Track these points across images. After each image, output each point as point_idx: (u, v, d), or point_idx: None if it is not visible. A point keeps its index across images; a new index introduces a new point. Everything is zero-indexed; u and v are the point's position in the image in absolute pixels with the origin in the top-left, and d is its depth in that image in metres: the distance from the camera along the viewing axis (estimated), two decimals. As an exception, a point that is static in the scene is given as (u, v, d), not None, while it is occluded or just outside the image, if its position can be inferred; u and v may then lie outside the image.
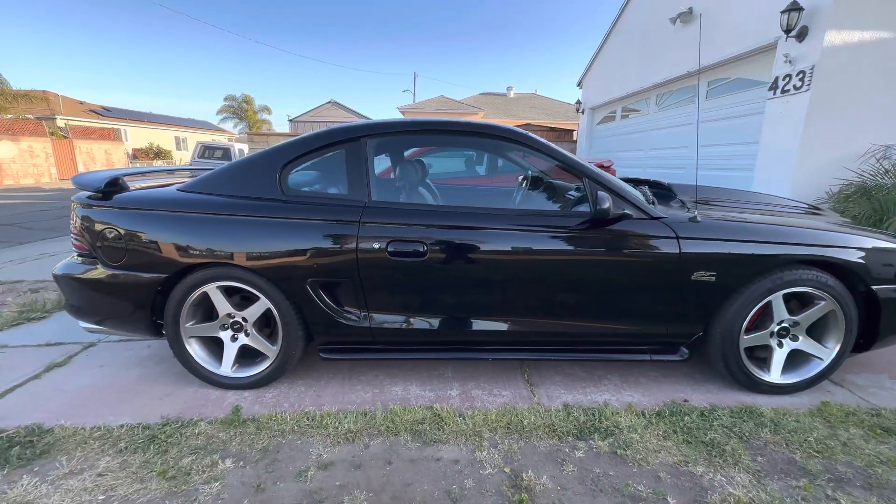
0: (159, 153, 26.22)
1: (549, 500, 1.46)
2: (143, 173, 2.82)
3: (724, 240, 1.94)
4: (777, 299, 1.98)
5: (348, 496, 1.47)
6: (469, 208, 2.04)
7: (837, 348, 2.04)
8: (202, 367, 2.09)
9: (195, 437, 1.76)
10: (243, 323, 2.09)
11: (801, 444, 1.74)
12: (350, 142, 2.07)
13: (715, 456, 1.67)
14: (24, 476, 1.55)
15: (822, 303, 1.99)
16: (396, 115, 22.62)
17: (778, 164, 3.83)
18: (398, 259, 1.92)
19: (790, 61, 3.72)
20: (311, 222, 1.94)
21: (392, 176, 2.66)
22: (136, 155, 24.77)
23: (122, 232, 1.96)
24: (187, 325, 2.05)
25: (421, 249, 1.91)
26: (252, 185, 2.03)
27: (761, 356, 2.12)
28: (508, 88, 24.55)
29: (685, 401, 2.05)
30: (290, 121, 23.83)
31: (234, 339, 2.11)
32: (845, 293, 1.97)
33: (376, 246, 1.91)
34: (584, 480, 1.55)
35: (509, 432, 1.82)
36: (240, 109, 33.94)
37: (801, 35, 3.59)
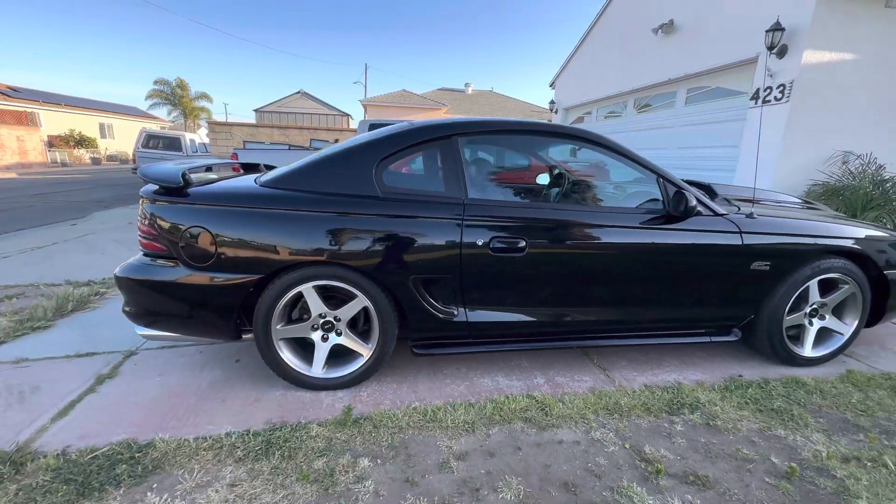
0: (82, 141, 23.46)
1: (678, 468, 1.63)
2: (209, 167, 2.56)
3: (776, 233, 2.22)
4: (814, 284, 2.31)
5: (501, 481, 1.54)
6: (561, 206, 2.15)
7: (855, 324, 2.42)
8: (293, 369, 2.03)
9: (313, 440, 1.72)
10: (335, 323, 2.05)
11: (847, 405, 2.06)
12: (443, 139, 2.09)
13: (787, 420, 1.94)
14: (148, 494, 1.45)
15: (846, 286, 2.35)
16: (358, 108, 22.04)
17: (760, 166, 4.33)
18: (498, 255, 1.99)
19: (771, 75, 4.22)
20: (416, 220, 1.95)
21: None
22: (52, 143, 21.96)
23: (213, 231, 1.85)
24: (278, 326, 1.98)
25: (521, 245, 2.00)
26: (347, 181, 1.99)
27: (793, 335, 2.45)
28: (466, 85, 24.85)
29: (740, 376, 2.32)
30: (256, 111, 22.26)
31: (324, 339, 2.06)
32: (863, 278, 2.34)
33: (480, 242, 1.97)
34: (696, 449, 1.74)
35: (610, 413, 1.97)
36: (173, 95, 31.20)
37: (782, 52, 4.09)
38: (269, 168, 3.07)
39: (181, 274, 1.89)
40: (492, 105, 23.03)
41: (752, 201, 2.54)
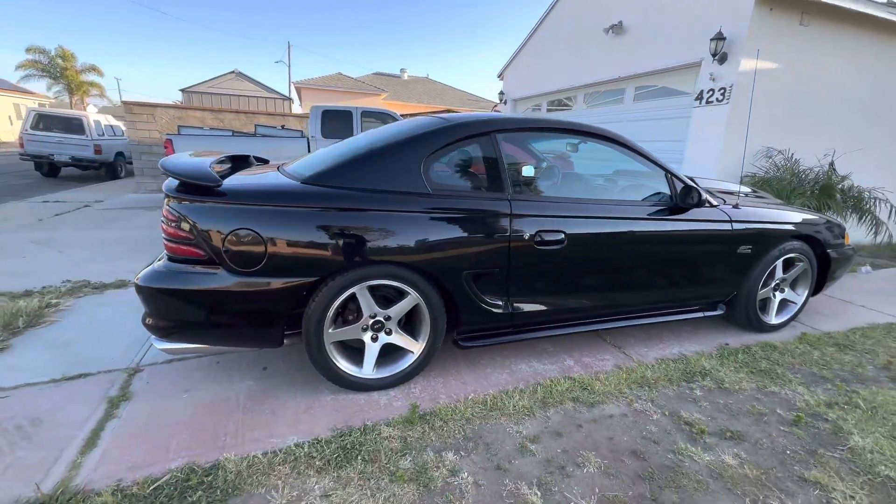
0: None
1: (714, 427, 1.89)
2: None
3: (757, 221, 2.60)
4: (780, 263, 2.74)
5: (578, 457, 1.68)
6: (591, 200, 2.31)
7: (805, 295, 2.93)
8: (345, 372, 1.98)
9: (388, 441, 1.72)
10: (384, 322, 2.02)
11: (811, 362, 2.51)
12: (482, 136, 2.13)
13: (774, 378, 2.32)
14: (239, 517, 1.37)
15: (801, 264, 2.83)
16: (292, 91, 20.59)
17: (704, 160, 4.92)
18: (542, 248, 2.10)
19: (713, 79, 4.79)
20: (467, 216, 1.98)
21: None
22: None
23: (263, 234, 1.72)
24: (329, 330, 1.91)
25: (561, 238, 2.12)
26: (396, 178, 1.95)
27: (761, 306, 2.89)
28: (402, 70, 24.36)
29: (726, 344, 2.70)
30: (183, 91, 19.38)
31: (374, 339, 2.03)
32: (813, 256, 2.84)
33: (526, 236, 2.06)
34: (720, 410, 2.03)
35: (640, 386, 2.20)
36: (52, 66, 26.54)
37: (723, 59, 4.66)
38: (261, 160, 2.87)
39: (225, 281, 1.73)
40: (429, 92, 22.92)
41: (732, 193, 2.92)
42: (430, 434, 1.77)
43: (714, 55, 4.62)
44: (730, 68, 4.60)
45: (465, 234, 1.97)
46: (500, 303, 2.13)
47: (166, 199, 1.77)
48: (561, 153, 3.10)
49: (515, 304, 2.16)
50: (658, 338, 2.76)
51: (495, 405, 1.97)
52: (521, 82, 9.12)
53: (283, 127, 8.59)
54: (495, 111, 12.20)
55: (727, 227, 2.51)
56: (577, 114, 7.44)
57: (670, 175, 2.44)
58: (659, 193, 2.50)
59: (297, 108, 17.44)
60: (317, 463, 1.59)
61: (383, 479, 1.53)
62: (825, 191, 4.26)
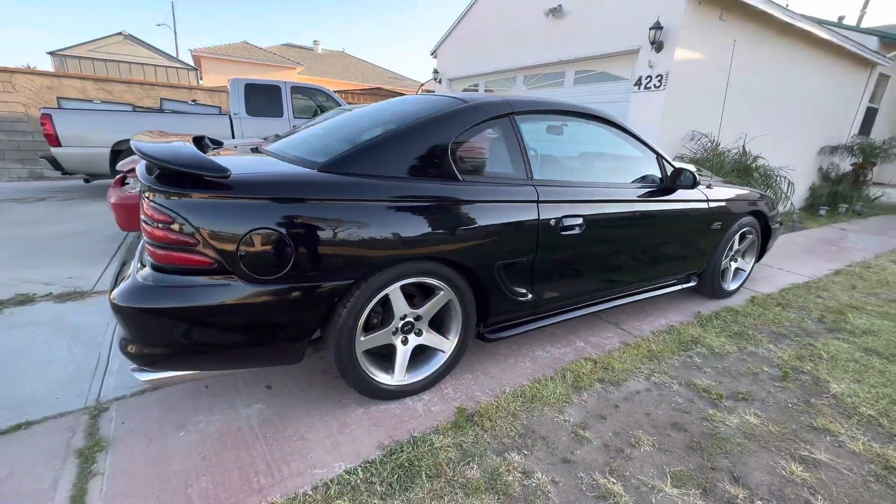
0: None
1: (724, 390, 2.07)
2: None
3: (726, 200, 2.87)
4: (737, 237, 3.07)
5: (630, 437, 1.72)
6: (607, 184, 2.33)
7: (753, 262, 3.34)
8: (377, 381, 1.78)
9: (444, 450, 1.59)
10: (414, 322, 1.86)
11: (768, 321, 2.88)
12: (503, 117, 2.01)
13: (748, 339, 2.61)
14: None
15: (751, 236, 3.20)
16: (188, 58, 17.93)
17: (644, 142, 5.33)
18: (565, 234, 2.07)
19: (651, 66, 5.14)
20: (499, 205, 1.87)
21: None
22: None
23: (287, 233, 1.44)
24: (362, 338, 1.70)
25: (580, 222, 2.12)
26: (424, 164, 1.76)
27: (721, 276, 3.23)
28: (315, 43, 22.52)
29: (700, 312, 2.98)
30: (52, 55, 15.04)
31: (404, 342, 1.85)
32: (758, 228, 3.23)
33: (552, 223, 2.02)
34: (722, 374, 2.23)
35: (650, 360, 2.33)
36: None
37: (660, 48, 5.01)
38: (215, 142, 2.45)
39: (240, 292, 1.43)
40: (347, 67, 21.61)
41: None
42: (484, 436, 1.68)
43: (652, 43, 4.94)
44: (666, 56, 4.96)
45: (500, 224, 1.87)
46: (525, 291, 2.08)
47: (148, 194, 1.39)
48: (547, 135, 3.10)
49: (538, 292, 2.13)
50: (644, 312, 2.95)
51: (535, 396, 1.94)
52: (457, 61, 8.98)
53: (194, 102, 7.45)
54: (425, 91, 11.97)
55: (705, 206, 2.73)
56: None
57: (660, 157, 2.57)
58: (649, 175, 2.61)
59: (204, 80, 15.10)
60: (378, 489, 1.42)
61: (456, 493, 1.42)
62: (745, 170, 4.89)
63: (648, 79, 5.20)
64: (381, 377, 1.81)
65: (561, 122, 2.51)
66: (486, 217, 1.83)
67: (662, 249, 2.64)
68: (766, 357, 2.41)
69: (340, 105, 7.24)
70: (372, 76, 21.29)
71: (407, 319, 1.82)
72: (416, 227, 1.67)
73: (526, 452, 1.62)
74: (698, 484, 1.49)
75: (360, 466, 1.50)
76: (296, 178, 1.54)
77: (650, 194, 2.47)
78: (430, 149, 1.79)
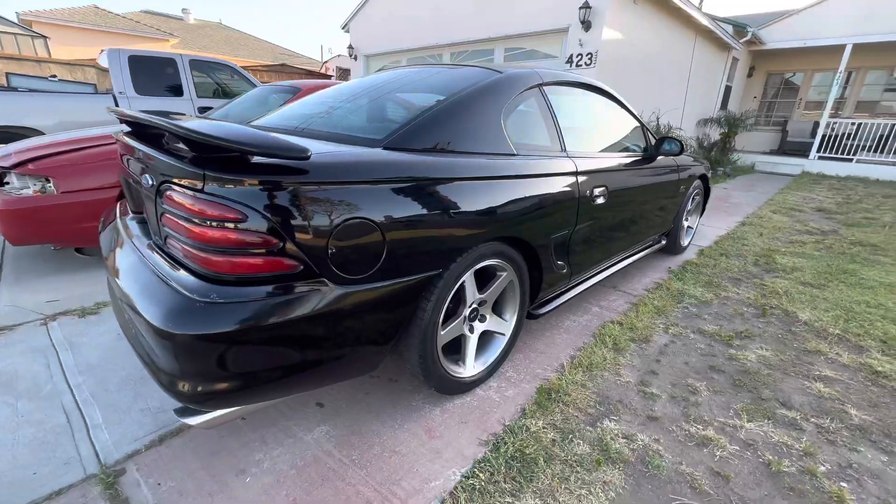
0: None
1: (728, 332, 2.35)
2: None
3: (688, 166, 3.20)
4: (691, 198, 3.48)
5: (687, 386, 1.87)
6: (617, 154, 2.42)
7: (699, 220, 3.82)
8: (456, 376, 1.67)
9: (544, 432, 1.56)
10: (479, 308, 1.76)
11: (722, 269, 3.34)
12: (534, 88, 1.95)
13: (718, 287, 3.00)
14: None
15: (698, 198, 3.65)
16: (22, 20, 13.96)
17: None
18: (595, 203, 2.13)
19: (581, 44, 5.44)
20: (551, 178, 1.83)
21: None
22: None
23: (379, 221, 1.22)
24: (442, 332, 1.55)
25: (605, 191, 2.19)
26: (483, 138, 1.63)
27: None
28: (185, 11, 19.32)
29: (671, 268, 3.33)
30: None
31: (471, 330, 1.74)
32: (702, 189, 3.69)
33: (588, 194, 2.05)
34: (718, 318, 2.53)
35: (660, 314, 2.54)
36: None
37: (588, 27, 5.32)
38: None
39: (331, 297, 1.18)
40: (229, 42, 19.05)
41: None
42: (570, 411, 1.68)
43: (582, 22, 5.23)
44: (594, 35, 5.30)
45: (554, 197, 1.83)
46: (563, 263, 2.09)
47: (189, 187, 1.06)
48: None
49: (572, 263, 2.16)
50: (629, 274, 3.20)
51: (590, 364, 1.99)
52: (374, 36, 8.51)
53: (54, 77, 5.93)
54: (340, 70, 11.25)
55: (676, 173, 3.02)
56: (445, 73, 7.44)
57: (644, 128, 2.75)
58: (639, 145, 2.78)
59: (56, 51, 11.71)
60: (505, 486, 1.33)
61: (578, 472, 1.40)
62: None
63: (579, 56, 5.52)
64: (457, 370, 1.69)
65: (572, 95, 2.52)
66: (543, 191, 1.78)
67: (651, 213, 2.87)
68: (739, 299, 2.80)
69: (255, 84, 6.41)
70: (262, 52, 19.13)
71: (473, 306, 1.71)
72: (491, 205, 1.55)
73: (615, 418, 1.66)
74: (763, 415, 1.69)
75: (476, 468, 1.39)
76: (382, 159, 1.31)
77: (644, 161, 2.64)
78: (486, 121, 1.66)
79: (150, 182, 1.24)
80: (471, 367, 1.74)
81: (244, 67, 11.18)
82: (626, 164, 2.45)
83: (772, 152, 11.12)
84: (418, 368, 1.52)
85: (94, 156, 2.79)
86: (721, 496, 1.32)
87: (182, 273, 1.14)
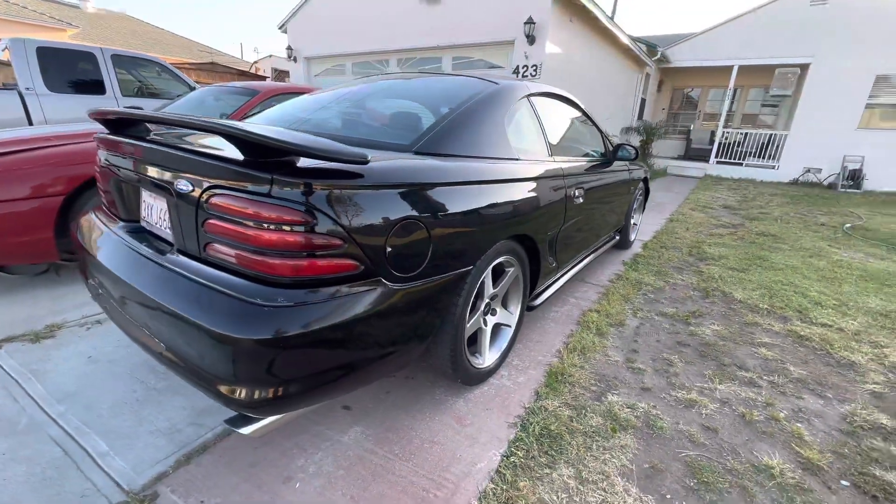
0: None
1: (687, 312, 2.71)
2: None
3: (635, 169, 3.61)
4: (636, 198, 3.91)
5: (664, 360, 2.15)
6: (588, 158, 2.67)
7: (641, 216, 4.30)
8: (477, 367, 1.77)
9: (561, 410, 1.72)
10: (491, 302, 1.88)
11: (665, 260, 3.80)
12: (524, 98, 2.13)
13: (665, 275, 3.42)
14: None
15: (641, 197, 4.11)
16: None
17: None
18: (576, 202, 2.35)
19: (527, 57, 5.81)
20: (547, 179, 2.01)
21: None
22: None
23: (427, 222, 1.30)
24: (468, 325, 1.65)
25: (582, 192, 2.43)
26: (491, 143, 1.76)
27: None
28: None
29: (624, 261, 3.71)
30: None
31: (485, 323, 1.86)
32: (645, 190, 4.16)
33: (571, 194, 2.27)
34: (673, 301, 2.90)
35: (627, 301, 2.85)
36: None
37: (532, 41, 5.70)
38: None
39: (388, 295, 1.24)
40: (137, 35, 17.18)
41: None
42: (577, 390, 1.86)
43: (527, 36, 5.61)
44: (539, 48, 5.71)
45: (550, 197, 2.01)
46: (552, 259, 2.29)
47: (261, 188, 1.06)
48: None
49: (558, 259, 2.37)
50: (593, 268, 3.51)
51: (583, 348, 2.20)
52: (315, 38, 8.29)
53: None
54: (276, 72, 10.79)
55: (628, 173, 3.40)
56: (392, 79, 7.48)
57: (604, 135, 3.08)
58: (599, 150, 3.09)
59: None
60: (542, 460, 1.47)
61: (599, 441, 1.58)
62: (603, 146, 6.08)
63: (525, 68, 5.89)
64: (476, 362, 1.79)
65: (551, 105, 2.74)
66: (543, 192, 1.96)
67: (611, 211, 3.20)
68: (685, 284, 3.23)
69: (188, 83, 5.95)
70: (178, 48, 17.56)
71: (487, 300, 1.83)
72: (510, 205, 1.69)
73: (616, 392, 1.87)
74: (728, 377, 2.01)
75: (512, 447, 1.51)
76: (428, 164, 1.39)
77: (605, 165, 2.95)
78: (496, 128, 1.80)
79: (188, 188, 1.20)
80: (488, 358, 1.86)
81: (175, 65, 10.26)
82: (595, 168, 2.73)
83: (679, 157, 12.61)
84: (448, 362, 1.60)
85: (29, 161, 2.48)
86: (715, 445, 1.58)
87: (238, 280, 1.12)
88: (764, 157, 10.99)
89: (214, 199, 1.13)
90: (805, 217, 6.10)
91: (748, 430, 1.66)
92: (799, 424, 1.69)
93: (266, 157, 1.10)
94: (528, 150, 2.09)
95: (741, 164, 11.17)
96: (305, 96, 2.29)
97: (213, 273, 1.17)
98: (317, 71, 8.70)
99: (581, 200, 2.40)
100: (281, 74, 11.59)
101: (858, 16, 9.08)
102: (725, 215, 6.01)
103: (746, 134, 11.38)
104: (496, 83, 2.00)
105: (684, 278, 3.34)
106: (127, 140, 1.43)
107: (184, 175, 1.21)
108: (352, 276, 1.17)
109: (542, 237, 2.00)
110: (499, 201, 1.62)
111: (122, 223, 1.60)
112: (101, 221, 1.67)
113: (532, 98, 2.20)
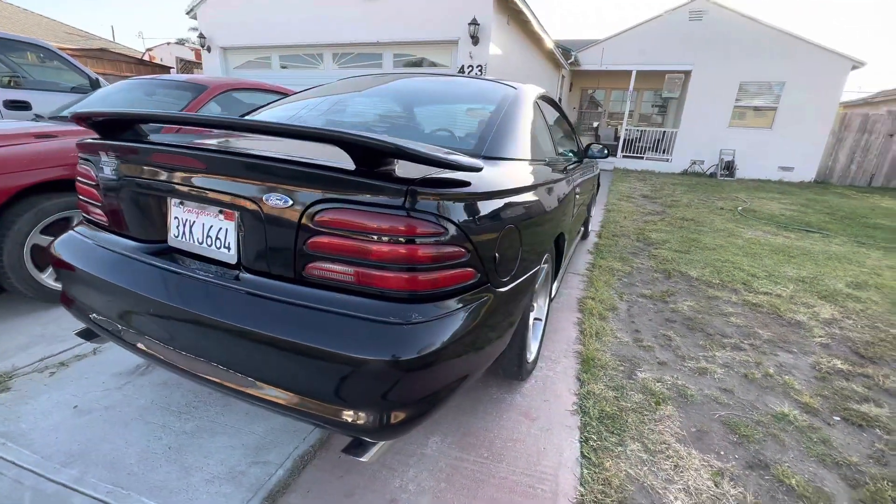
0: None
1: (659, 290, 3.06)
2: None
3: (595, 165, 3.94)
4: (595, 188, 4.27)
5: (661, 335, 2.42)
6: (573, 157, 2.85)
7: (594, 210, 4.69)
8: (529, 361, 1.83)
9: (605, 392, 1.87)
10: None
11: (622, 247, 4.22)
12: (536, 101, 2.22)
13: (628, 261, 3.81)
14: None
15: (595, 192, 4.50)
16: None
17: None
18: (576, 198, 2.53)
19: (472, 57, 5.94)
20: (566, 179, 2.14)
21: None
22: None
23: (519, 226, 1.34)
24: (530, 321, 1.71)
25: (577, 189, 2.62)
26: (532, 146, 1.83)
27: (582, 221, 4.41)
28: None
29: (589, 250, 4.04)
30: None
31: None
32: (597, 184, 4.56)
33: (574, 190, 2.44)
34: (645, 283, 3.24)
35: (609, 287, 3.12)
36: None
37: (476, 41, 5.84)
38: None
39: (496, 301, 1.25)
40: (10, 20, 13.93)
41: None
42: (611, 373, 2.03)
43: (472, 37, 5.75)
44: (483, 49, 5.88)
45: (568, 195, 2.14)
46: (562, 253, 2.44)
47: (393, 201, 1.00)
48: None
49: (563, 252, 2.52)
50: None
51: (595, 333, 2.38)
52: (234, 27, 7.55)
53: None
54: (181, 62, 9.64)
55: (592, 171, 3.70)
56: (327, 74, 7.16)
57: (576, 134, 3.32)
58: (573, 149, 3.32)
59: None
60: (614, 439, 1.59)
61: (647, 414, 1.75)
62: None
63: (470, 68, 6.03)
64: (528, 357, 1.85)
65: (546, 106, 2.86)
66: (567, 190, 2.09)
67: (584, 204, 3.47)
68: (646, 267, 3.63)
69: (86, 73, 5.04)
70: (40, 30, 14.57)
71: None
72: (559, 204, 1.80)
73: (641, 369, 2.07)
74: (719, 345, 2.33)
75: (584, 433, 1.60)
76: (517, 169, 1.42)
77: (580, 161, 3.19)
78: (528, 131, 1.86)
79: (284, 202, 1.07)
80: (533, 351, 1.94)
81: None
82: (577, 165, 2.94)
83: (592, 152, 13.86)
84: (516, 359, 1.65)
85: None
86: (737, 403, 1.84)
87: (362, 299, 1.05)
88: (659, 152, 12.59)
89: (328, 215, 1.03)
90: (706, 202, 7.16)
91: (755, 388, 1.96)
92: (787, 377, 2.05)
93: (379, 167, 1.03)
94: (546, 151, 2.20)
95: (642, 158, 12.67)
96: (306, 95, 2.13)
97: (323, 294, 1.07)
98: (236, 63, 7.93)
99: (577, 197, 2.58)
100: (189, 66, 10.23)
101: (726, 31, 10.81)
102: (647, 204, 6.81)
103: (643, 131, 12.93)
104: (514, 86, 2.07)
105: (643, 262, 3.75)
106: (157, 147, 1.23)
107: (278, 187, 1.08)
108: (470, 286, 1.16)
109: (565, 235, 2.13)
110: (555, 202, 1.71)
111: (138, 244, 1.37)
112: (100, 243, 1.41)
113: (538, 101, 2.31)
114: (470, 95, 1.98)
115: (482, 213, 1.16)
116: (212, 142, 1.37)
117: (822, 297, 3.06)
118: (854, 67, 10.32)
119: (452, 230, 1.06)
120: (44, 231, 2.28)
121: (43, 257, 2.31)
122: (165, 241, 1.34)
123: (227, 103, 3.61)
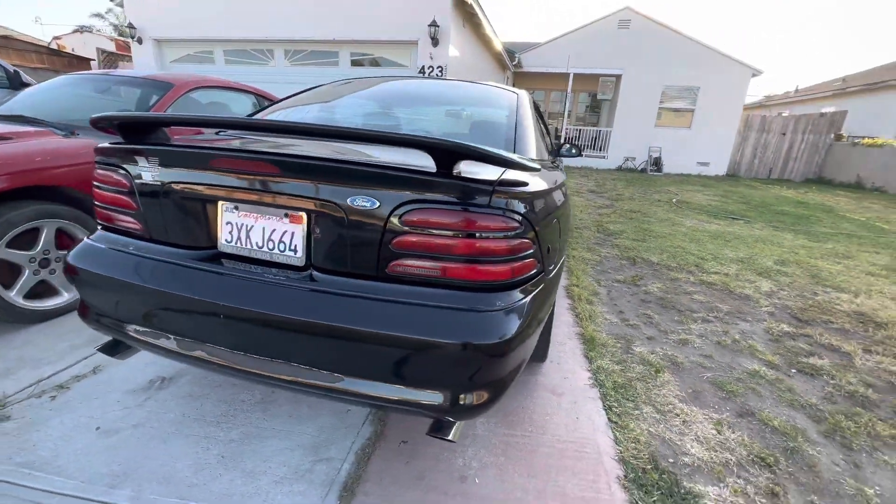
0: None
1: (629, 275, 3.40)
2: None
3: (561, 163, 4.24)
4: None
5: (642, 313, 2.73)
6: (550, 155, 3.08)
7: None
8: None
9: (612, 367, 2.10)
10: (542, 287, 2.14)
11: (588, 238, 4.58)
12: (531, 101, 2.41)
13: (596, 251, 4.16)
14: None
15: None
16: None
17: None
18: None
19: (432, 57, 6.02)
20: (563, 175, 2.34)
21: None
22: None
23: (561, 218, 1.52)
24: (549, 308, 1.88)
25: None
26: (541, 146, 2.01)
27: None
28: None
29: (559, 242, 4.34)
30: None
31: (542, 306, 2.11)
32: (559, 181, 4.89)
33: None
34: (617, 270, 3.58)
35: (586, 274, 3.41)
36: None
37: (437, 43, 5.94)
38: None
39: (545, 287, 1.39)
40: None
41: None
42: (611, 349, 2.27)
43: (432, 38, 5.86)
44: (443, 50, 6.02)
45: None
46: (555, 245, 2.66)
47: (481, 200, 1.11)
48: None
49: (555, 244, 2.75)
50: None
51: (590, 316, 2.62)
52: (169, 17, 6.99)
53: None
54: (103, 53, 8.75)
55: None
56: (279, 71, 6.89)
57: (549, 135, 3.58)
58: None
59: None
60: (629, 404, 1.82)
61: (651, 381, 2.01)
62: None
63: (430, 69, 6.14)
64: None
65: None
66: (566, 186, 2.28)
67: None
68: (612, 256, 4.00)
69: (3, 66, 4.44)
70: None
71: (543, 286, 2.08)
72: (568, 198, 1.96)
73: (635, 344, 2.33)
74: (691, 319, 2.68)
75: (606, 401, 1.81)
76: (553, 168, 1.54)
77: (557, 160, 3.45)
78: (536, 132, 2.03)
79: (370, 204, 1.13)
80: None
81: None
82: (561, 162, 3.18)
83: (536, 150, 14.55)
84: (545, 343, 1.81)
85: None
86: (717, 366, 2.16)
87: (447, 291, 1.14)
88: (596, 149, 13.56)
89: (416, 216, 1.11)
90: (645, 196, 7.89)
91: (728, 352, 2.30)
92: (751, 341, 2.42)
93: (454, 169, 1.13)
94: (543, 151, 2.39)
95: (581, 155, 13.54)
96: (321, 96, 2.13)
97: (411, 289, 1.15)
98: (173, 57, 7.33)
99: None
100: (110, 57, 9.11)
101: (649, 40, 11.89)
102: (596, 198, 7.36)
103: (580, 130, 13.85)
104: (514, 91, 2.23)
105: (609, 251, 4.12)
106: (215, 152, 1.23)
107: (364, 190, 1.13)
108: (534, 275, 1.30)
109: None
110: (565, 196, 1.88)
111: (184, 251, 1.34)
112: (137, 251, 1.36)
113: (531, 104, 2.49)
114: (483, 100, 2.11)
115: (538, 209, 1.30)
116: (258, 146, 1.37)
117: (759, 274, 3.59)
118: (754, 75, 11.85)
119: (526, 225, 1.19)
120: (10, 245, 2.06)
121: (5, 275, 2.09)
122: (213, 247, 1.33)
123: (187, 105, 3.40)
